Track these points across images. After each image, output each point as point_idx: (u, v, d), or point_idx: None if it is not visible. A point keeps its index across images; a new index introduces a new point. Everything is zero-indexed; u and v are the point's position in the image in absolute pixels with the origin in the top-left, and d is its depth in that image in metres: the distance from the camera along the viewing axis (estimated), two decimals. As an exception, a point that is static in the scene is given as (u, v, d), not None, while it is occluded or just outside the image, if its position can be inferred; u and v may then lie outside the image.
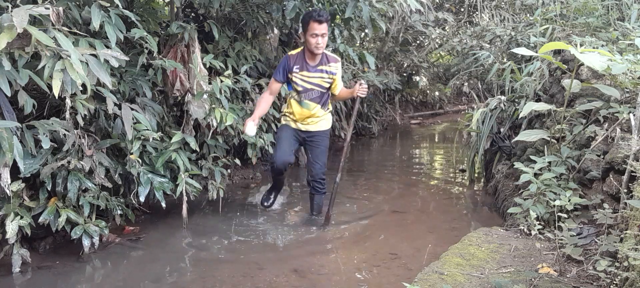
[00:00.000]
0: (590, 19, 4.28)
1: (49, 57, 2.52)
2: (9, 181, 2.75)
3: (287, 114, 3.91)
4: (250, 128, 3.55)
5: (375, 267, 3.14)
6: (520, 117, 4.02)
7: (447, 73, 11.39)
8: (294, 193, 4.97)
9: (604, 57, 2.64)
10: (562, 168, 2.98)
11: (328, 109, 3.93)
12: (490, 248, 2.66)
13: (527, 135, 3.31)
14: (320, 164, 3.86)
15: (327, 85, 3.78)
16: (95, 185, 3.25)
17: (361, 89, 3.77)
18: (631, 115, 2.65)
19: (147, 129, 3.48)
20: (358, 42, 7.23)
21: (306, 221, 3.97)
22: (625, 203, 2.32)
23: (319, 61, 3.73)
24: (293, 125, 3.86)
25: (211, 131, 4.20)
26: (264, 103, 3.81)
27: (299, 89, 3.73)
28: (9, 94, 2.53)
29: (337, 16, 5.25)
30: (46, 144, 2.89)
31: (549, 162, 3.06)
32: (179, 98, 4.22)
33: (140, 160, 3.51)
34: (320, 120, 3.87)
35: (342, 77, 5.48)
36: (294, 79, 3.72)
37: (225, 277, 3.01)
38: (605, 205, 2.49)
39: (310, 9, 4.70)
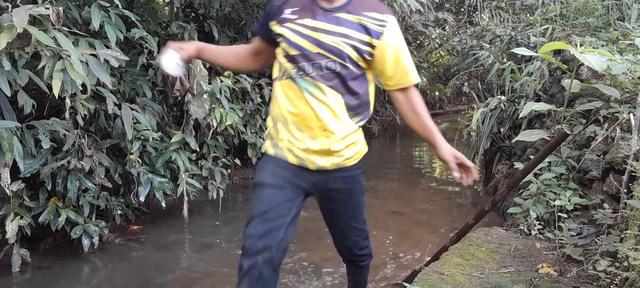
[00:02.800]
0: (590, 19, 4.28)
1: (49, 57, 2.53)
2: (9, 181, 2.75)
3: (273, 129, 1.90)
4: (168, 58, 1.93)
5: (375, 266, 3.14)
6: (520, 117, 4.02)
7: (447, 73, 11.40)
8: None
9: (604, 57, 2.64)
10: (562, 168, 2.98)
11: (359, 124, 1.88)
12: (490, 248, 2.66)
13: (527, 135, 3.31)
14: (358, 229, 2.03)
15: (359, 58, 1.78)
16: (95, 185, 3.25)
17: (467, 175, 1.81)
18: (631, 115, 2.64)
19: (147, 129, 3.49)
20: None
21: (306, 222, 3.97)
22: (625, 203, 2.32)
23: (345, 3, 1.80)
24: (289, 155, 1.83)
25: (211, 131, 4.20)
26: (227, 49, 2.20)
27: (293, 52, 1.77)
28: (9, 94, 2.53)
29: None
30: (46, 144, 2.90)
31: (549, 162, 3.06)
32: (179, 98, 4.22)
33: (140, 160, 3.51)
34: (348, 142, 1.83)
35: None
36: (282, 33, 1.79)
37: (226, 277, 3.01)
38: (605, 205, 2.49)
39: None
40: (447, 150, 1.81)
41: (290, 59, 1.78)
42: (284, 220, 1.78)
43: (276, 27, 1.81)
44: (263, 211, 1.76)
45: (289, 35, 1.77)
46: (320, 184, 1.86)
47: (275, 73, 1.87)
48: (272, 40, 1.86)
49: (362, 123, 1.89)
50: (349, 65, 1.76)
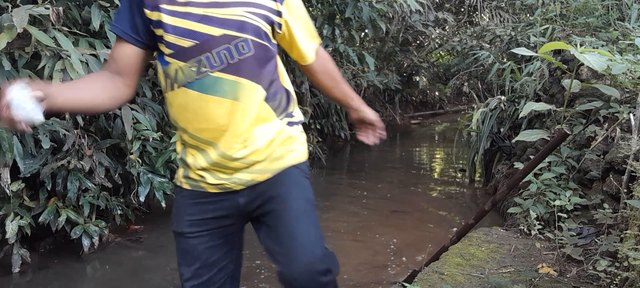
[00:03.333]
0: (590, 19, 4.28)
1: (49, 57, 2.53)
2: (9, 181, 2.75)
3: (183, 154, 1.45)
4: (19, 94, 1.12)
5: (375, 267, 3.14)
6: (520, 117, 4.02)
7: (447, 73, 11.40)
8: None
9: (604, 57, 2.64)
10: (562, 168, 2.98)
11: (291, 113, 1.48)
12: (490, 248, 2.66)
13: (527, 135, 3.31)
14: (308, 237, 1.38)
15: (271, 31, 1.38)
16: (95, 185, 3.25)
17: (370, 132, 1.71)
18: (631, 115, 2.65)
19: (147, 129, 3.49)
20: (358, 42, 7.26)
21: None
22: (625, 203, 2.32)
23: None
24: (207, 185, 1.41)
25: (211, 131, 4.20)
26: (86, 81, 1.44)
27: (188, 43, 1.28)
28: (9, 94, 2.53)
29: (337, 16, 5.25)
30: (46, 144, 2.90)
31: (549, 162, 3.06)
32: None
33: (140, 160, 3.51)
34: (278, 140, 1.42)
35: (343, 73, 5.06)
36: (163, 19, 1.28)
37: (225, 277, 3.01)
38: (605, 205, 2.49)
39: (309, 8, 4.69)
40: (366, 111, 1.67)
41: (185, 54, 1.29)
42: (226, 272, 1.45)
43: (153, 15, 1.28)
44: (195, 269, 1.42)
45: (175, 22, 1.27)
46: (256, 202, 1.40)
47: (163, 82, 1.37)
48: (150, 38, 1.32)
49: (290, 109, 1.47)
50: (265, 42, 1.35)
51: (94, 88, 1.32)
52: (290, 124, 1.46)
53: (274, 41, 1.40)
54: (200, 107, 1.32)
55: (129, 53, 1.33)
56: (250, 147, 1.36)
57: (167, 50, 1.30)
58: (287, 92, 1.47)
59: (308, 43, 1.49)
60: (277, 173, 1.41)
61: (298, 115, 1.51)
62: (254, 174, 1.39)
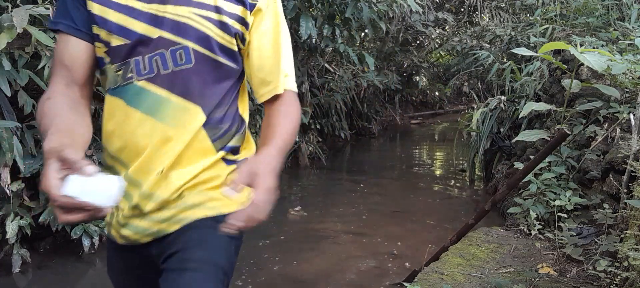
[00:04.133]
0: (590, 19, 4.28)
1: (49, 57, 2.53)
2: (9, 181, 2.75)
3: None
4: (106, 186, 0.79)
5: (375, 267, 3.14)
6: (520, 117, 4.03)
7: (447, 73, 11.42)
8: (292, 192, 4.97)
9: (604, 57, 2.64)
10: (562, 168, 2.98)
11: (235, 148, 1.12)
12: (490, 248, 2.66)
13: (527, 135, 3.31)
14: None
15: (229, 42, 1.06)
16: (95, 185, 3.25)
17: (244, 215, 0.79)
18: (631, 115, 2.65)
19: (147, 129, 3.49)
20: (358, 42, 7.26)
21: (306, 220, 3.97)
22: (625, 203, 2.32)
23: None
24: (114, 232, 1.11)
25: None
26: (52, 113, 1.00)
27: (116, 41, 1.03)
28: (9, 94, 2.53)
29: (337, 16, 5.25)
30: (46, 144, 2.90)
31: (549, 162, 3.06)
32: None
33: (140, 160, 3.51)
34: (198, 180, 1.06)
35: (338, 78, 4.87)
36: (95, 10, 1.02)
37: (225, 277, 3.01)
38: (605, 205, 2.49)
39: (309, 9, 4.70)
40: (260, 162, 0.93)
41: (114, 54, 1.04)
42: None
43: (94, 7, 1.03)
44: None
45: (106, 14, 1.03)
46: (164, 256, 1.03)
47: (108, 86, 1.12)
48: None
49: (234, 143, 1.11)
50: (216, 56, 1.06)
51: (79, 118, 1.07)
52: (228, 162, 1.10)
53: (239, 57, 1.10)
54: (121, 120, 1.08)
55: (82, 53, 1.05)
56: (163, 183, 1.04)
57: (101, 48, 1.05)
58: (242, 122, 1.14)
59: (277, 73, 1.10)
60: (186, 225, 1.04)
61: (246, 153, 1.15)
62: (160, 224, 1.05)
